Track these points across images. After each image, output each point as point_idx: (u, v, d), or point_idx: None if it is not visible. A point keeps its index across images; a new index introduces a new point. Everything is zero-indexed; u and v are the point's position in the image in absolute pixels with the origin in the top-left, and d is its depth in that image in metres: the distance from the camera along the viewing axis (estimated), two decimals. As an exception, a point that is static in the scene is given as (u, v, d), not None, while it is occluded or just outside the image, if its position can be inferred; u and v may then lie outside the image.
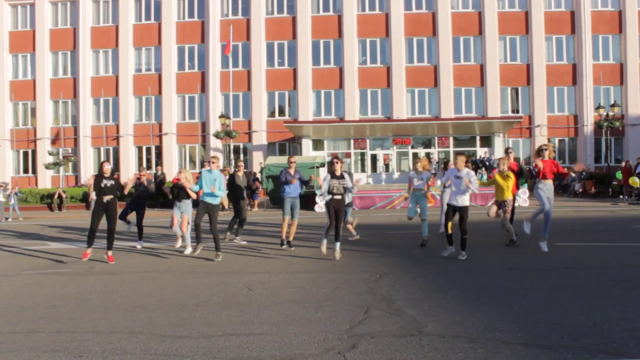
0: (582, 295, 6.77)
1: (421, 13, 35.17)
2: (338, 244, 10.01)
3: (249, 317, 6.10)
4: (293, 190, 11.75)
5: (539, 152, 10.50)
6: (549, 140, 33.70)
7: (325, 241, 10.10)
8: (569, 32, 34.56)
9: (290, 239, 11.68)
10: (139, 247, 12.30)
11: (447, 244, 10.04)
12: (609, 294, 6.80)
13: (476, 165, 28.43)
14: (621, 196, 25.24)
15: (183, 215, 11.91)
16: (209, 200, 10.56)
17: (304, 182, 11.98)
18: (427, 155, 33.03)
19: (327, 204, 10.11)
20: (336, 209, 10.01)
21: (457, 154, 10.96)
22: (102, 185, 10.34)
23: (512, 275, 8.28)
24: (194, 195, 11.54)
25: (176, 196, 12.09)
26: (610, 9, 34.38)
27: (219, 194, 10.61)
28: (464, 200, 9.87)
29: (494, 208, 11.51)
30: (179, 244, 12.10)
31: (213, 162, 10.94)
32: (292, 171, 11.86)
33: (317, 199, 22.36)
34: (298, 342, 5.08)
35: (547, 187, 10.21)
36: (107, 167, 10.58)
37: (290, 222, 11.71)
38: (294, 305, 6.53)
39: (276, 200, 23.60)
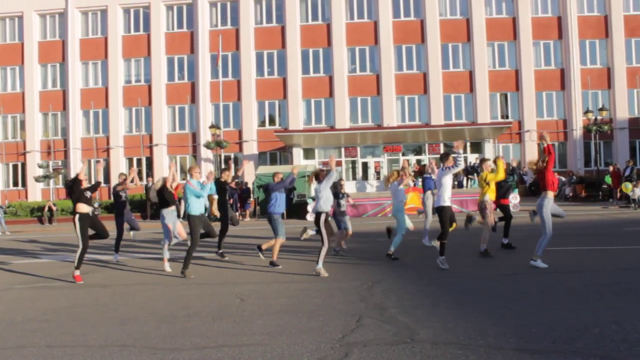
0: (573, 299, 6.80)
1: (409, 20, 35.34)
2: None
3: (242, 327, 6.07)
4: (281, 205, 10.81)
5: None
6: (538, 145, 33.89)
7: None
8: (556, 37, 34.82)
9: (274, 257, 10.64)
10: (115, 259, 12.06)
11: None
12: (601, 298, 6.83)
13: (467, 171, 28.53)
14: (611, 199, 25.40)
15: (175, 223, 11.38)
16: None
17: (290, 189, 11.52)
18: (418, 162, 33.16)
19: (318, 217, 9.42)
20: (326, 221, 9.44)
21: (442, 155, 10.54)
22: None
23: (504, 280, 8.30)
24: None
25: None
26: (596, 14, 34.68)
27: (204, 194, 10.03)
28: (445, 200, 9.56)
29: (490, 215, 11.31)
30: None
31: (198, 173, 10.39)
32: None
33: (309, 207, 22.36)
34: (291, 352, 5.06)
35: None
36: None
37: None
38: (287, 315, 6.52)
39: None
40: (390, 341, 5.29)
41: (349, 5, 35.83)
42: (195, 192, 9.92)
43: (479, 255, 10.57)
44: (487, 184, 10.88)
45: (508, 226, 11.68)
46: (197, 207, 9.95)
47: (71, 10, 36.72)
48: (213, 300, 7.59)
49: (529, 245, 10.87)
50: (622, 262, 9.50)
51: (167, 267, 10.53)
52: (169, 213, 11.09)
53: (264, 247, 10.83)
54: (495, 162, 11.17)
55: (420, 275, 8.91)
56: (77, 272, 9.62)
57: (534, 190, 27.29)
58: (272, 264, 10.47)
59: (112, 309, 7.37)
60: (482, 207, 10.91)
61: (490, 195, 10.94)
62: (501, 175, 10.93)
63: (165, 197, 11.10)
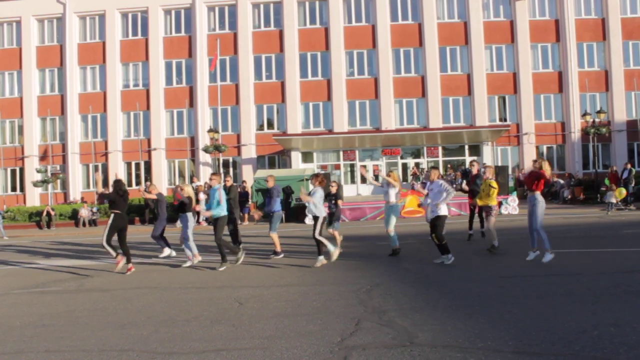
0: (572, 302, 6.79)
1: (407, 24, 35.41)
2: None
3: (240, 331, 6.07)
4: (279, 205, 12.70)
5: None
6: (537, 147, 33.98)
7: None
8: (554, 40, 34.89)
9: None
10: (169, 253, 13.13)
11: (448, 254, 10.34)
12: (599, 300, 6.82)
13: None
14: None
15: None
16: (224, 213, 11.21)
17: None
18: (417, 164, 33.25)
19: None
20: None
21: (431, 167, 11.65)
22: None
23: (503, 283, 8.29)
24: (207, 214, 11.43)
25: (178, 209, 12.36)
26: (593, 17, 34.77)
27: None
28: (436, 210, 10.33)
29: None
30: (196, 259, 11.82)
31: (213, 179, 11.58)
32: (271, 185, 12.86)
33: (307, 211, 22.32)
34: (289, 356, 5.06)
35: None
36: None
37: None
38: (285, 319, 6.51)
39: (266, 213, 23.50)
40: (389, 344, 5.29)
41: (347, 9, 35.88)
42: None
43: (488, 250, 11.40)
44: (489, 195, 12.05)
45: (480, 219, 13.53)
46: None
47: (69, 15, 36.75)
48: (211, 304, 7.57)
49: (522, 249, 10.89)
50: (621, 264, 9.49)
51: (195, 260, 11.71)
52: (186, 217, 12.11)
53: (278, 249, 12.13)
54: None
55: (419, 279, 8.90)
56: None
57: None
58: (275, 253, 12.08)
59: (110, 313, 7.36)
60: (488, 212, 11.98)
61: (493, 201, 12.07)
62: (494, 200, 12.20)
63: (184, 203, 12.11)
